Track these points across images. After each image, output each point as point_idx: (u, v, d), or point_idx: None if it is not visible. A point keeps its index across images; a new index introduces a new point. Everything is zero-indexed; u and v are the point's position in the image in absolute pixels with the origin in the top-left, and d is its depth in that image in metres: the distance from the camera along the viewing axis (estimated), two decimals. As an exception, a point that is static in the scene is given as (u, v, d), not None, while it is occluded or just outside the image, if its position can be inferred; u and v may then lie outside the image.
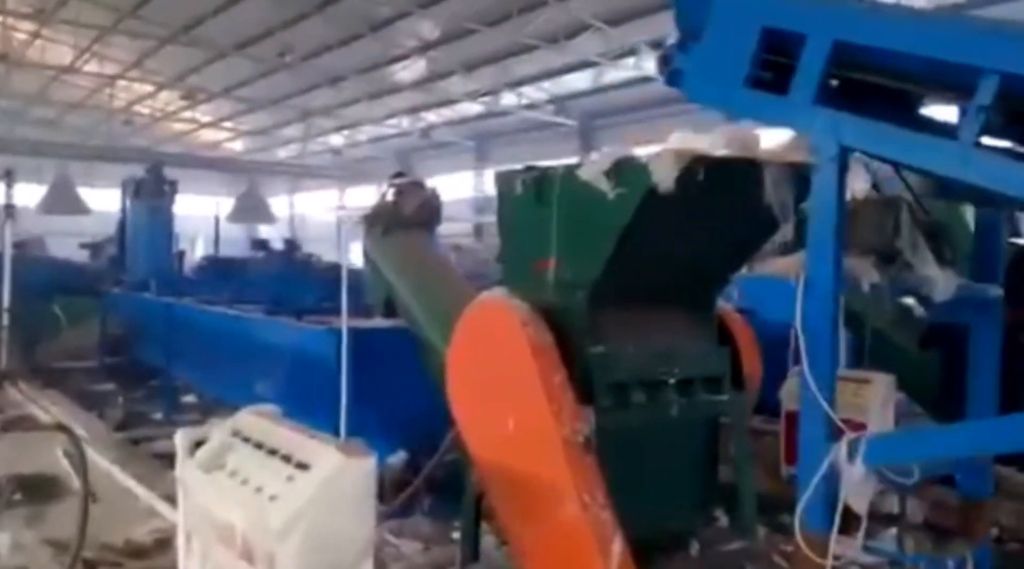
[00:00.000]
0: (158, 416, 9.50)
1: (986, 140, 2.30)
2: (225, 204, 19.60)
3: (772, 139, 3.74)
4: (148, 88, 26.74)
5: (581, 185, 3.59)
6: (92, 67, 24.08)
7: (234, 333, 7.07)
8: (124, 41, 21.83)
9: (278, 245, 14.93)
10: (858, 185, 3.81)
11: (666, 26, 17.58)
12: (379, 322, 5.82)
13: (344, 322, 5.44)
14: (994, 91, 2.28)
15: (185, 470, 3.55)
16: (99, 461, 6.52)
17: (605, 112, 24.85)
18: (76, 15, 19.78)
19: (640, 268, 3.72)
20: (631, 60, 19.95)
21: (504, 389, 3.66)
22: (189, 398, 9.97)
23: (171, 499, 5.41)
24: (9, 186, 11.02)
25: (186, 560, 3.48)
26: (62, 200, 26.20)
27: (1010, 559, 5.10)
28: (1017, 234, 7.39)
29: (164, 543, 5.07)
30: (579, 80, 22.86)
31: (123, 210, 13.75)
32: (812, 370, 2.64)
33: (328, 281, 12.51)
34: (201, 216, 20.66)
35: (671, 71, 3.28)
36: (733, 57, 2.97)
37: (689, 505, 4.25)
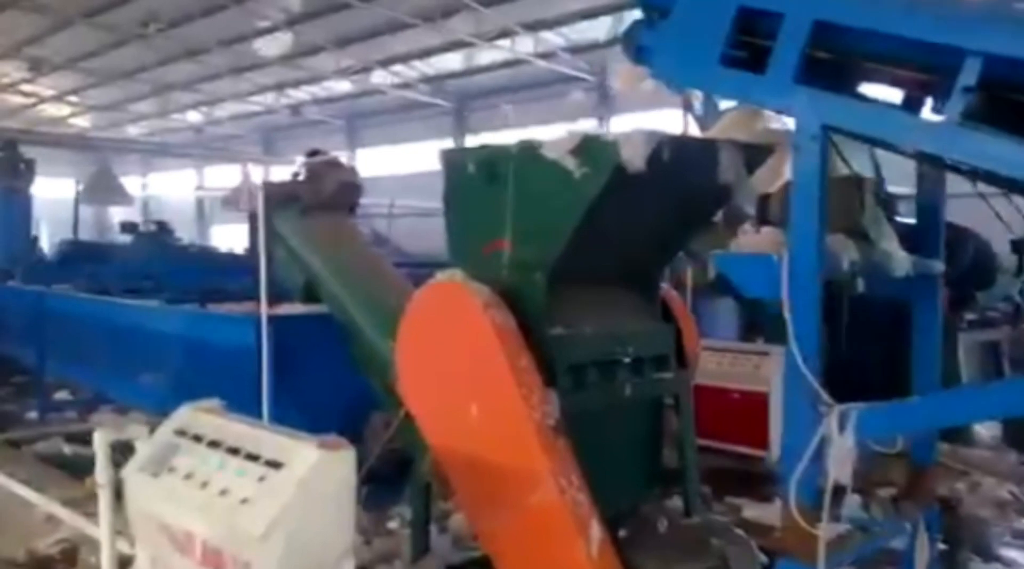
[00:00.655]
0: (32, 415, 8.71)
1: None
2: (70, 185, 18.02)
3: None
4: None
5: (540, 163, 3.52)
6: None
7: (130, 325, 6.55)
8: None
9: (149, 227, 14.01)
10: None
11: (541, 10, 17.87)
12: (298, 308, 5.56)
13: (263, 309, 5.16)
14: (978, 72, 2.39)
15: (124, 473, 3.26)
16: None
17: (479, 93, 24.78)
18: None
19: (598, 248, 3.70)
20: (507, 42, 19.92)
21: (465, 375, 3.55)
22: (61, 394, 9.21)
23: (72, 505, 5.00)
24: None
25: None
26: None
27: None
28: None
29: (71, 553, 4.66)
30: (453, 60, 22.65)
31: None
32: (798, 346, 2.70)
33: (206, 265, 11.87)
34: (43, 199, 18.94)
35: (637, 48, 3.25)
36: (706, 35, 2.98)
37: (639, 483, 4.30)
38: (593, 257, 3.74)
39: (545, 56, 20.60)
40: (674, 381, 4.25)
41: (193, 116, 31.05)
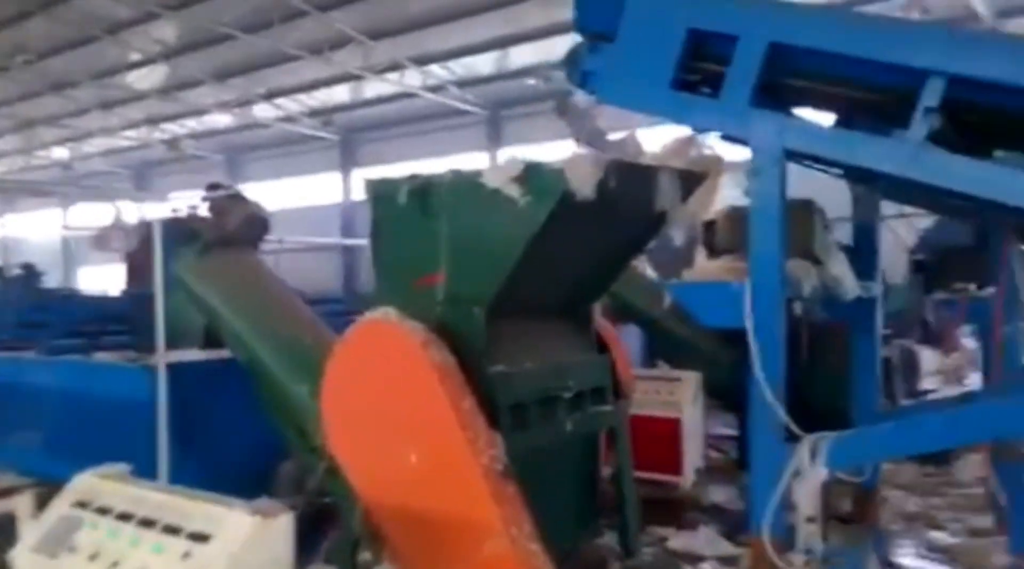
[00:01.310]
0: None
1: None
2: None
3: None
4: None
5: (479, 192, 3.32)
6: None
7: (3, 379, 5.85)
8: None
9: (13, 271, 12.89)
10: (727, 196, 3.91)
11: (429, 43, 17.67)
12: (197, 354, 5.11)
13: (161, 357, 4.70)
14: (941, 93, 2.37)
15: (12, 555, 2.81)
16: None
17: (367, 126, 24.40)
18: None
19: (538, 279, 3.54)
20: (395, 75, 19.72)
21: (402, 420, 3.29)
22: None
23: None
24: None
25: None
26: None
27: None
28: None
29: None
30: (340, 93, 22.23)
31: None
32: (765, 373, 2.59)
33: (82, 309, 10.98)
34: None
35: (581, 73, 3.12)
36: (655, 59, 2.88)
37: (578, 523, 4.12)
38: (533, 289, 3.57)
39: (434, 89, 20.49)
40: (612, 413, 4.12)
41: (59, 152, 29.25)
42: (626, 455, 4.20)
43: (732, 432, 8.42)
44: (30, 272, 12.97)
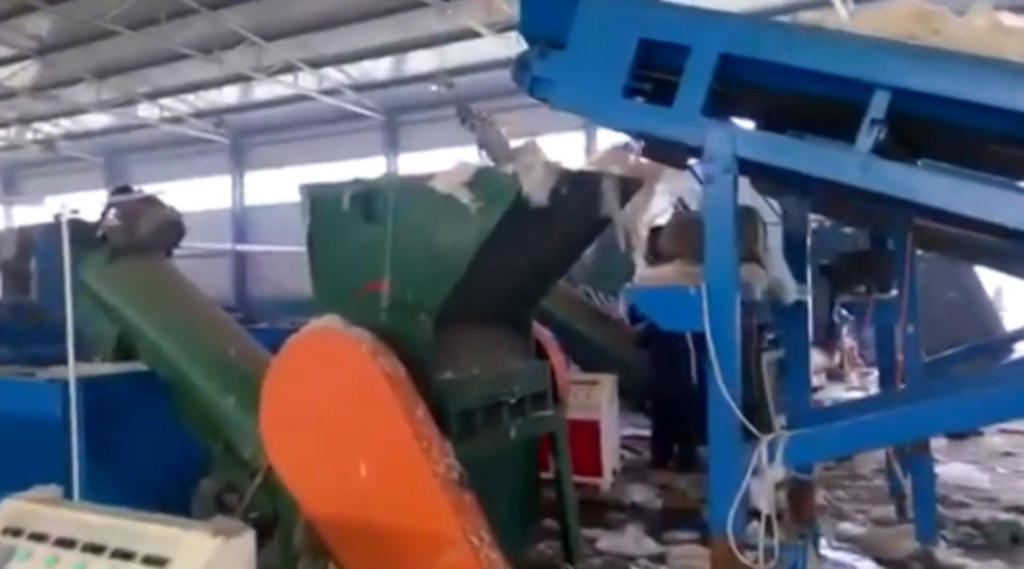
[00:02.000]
0: None
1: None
2: None
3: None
4: None
5: (427, 198, 3.29)
6: None
7: None
8: None
9: None
10: (660, 205, 4.01)
11: (323, 46, 17.25)
12: (107, 367, 4.82)
13: (71, 371, 4.41)
14: (886, 105, 2.50)
15: (-67, 593, 2.58)
16: None
17: (259, 129, 23.71)
18: None
19: (485, 285, 3.53)
20: (289, 77, 19.24)
21: (351, 430, 3.21)
22: None
23: None
24: None
25: None
26: None
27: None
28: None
29: None
30: (229, 94, 21.51)
31: None
32: (722, 375, 2.67)
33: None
34: None
35: (531, 78, 3.13)
36: (607, 67, 2.91)
37: (521, 530, 4.13)
38: (479, 295, 3.56)
39: (329, 93, 20.12)
40: (552, 418, 4.14)
41: (-86, 152, 27.11)
42: (565, 459, 4.23)
43: (641, 432, 8.62)
44: None
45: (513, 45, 3.44)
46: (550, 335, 4.36)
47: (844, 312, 7.91)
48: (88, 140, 25.01)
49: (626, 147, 3.83)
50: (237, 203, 24.99)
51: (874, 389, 9.40)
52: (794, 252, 3.63)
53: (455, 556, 2.98)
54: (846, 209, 4.96)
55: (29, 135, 24.56)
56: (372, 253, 3.45)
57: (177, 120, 22.27)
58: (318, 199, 3.61)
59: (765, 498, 2.71)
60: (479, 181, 3.16)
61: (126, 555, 2.37)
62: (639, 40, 2.88)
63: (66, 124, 23.94)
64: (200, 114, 22.40)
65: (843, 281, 5.46)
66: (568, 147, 16.53)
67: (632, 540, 5.39)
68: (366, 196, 3.45)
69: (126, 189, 5.05)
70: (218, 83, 19.87)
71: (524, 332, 4.12)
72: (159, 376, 4.66)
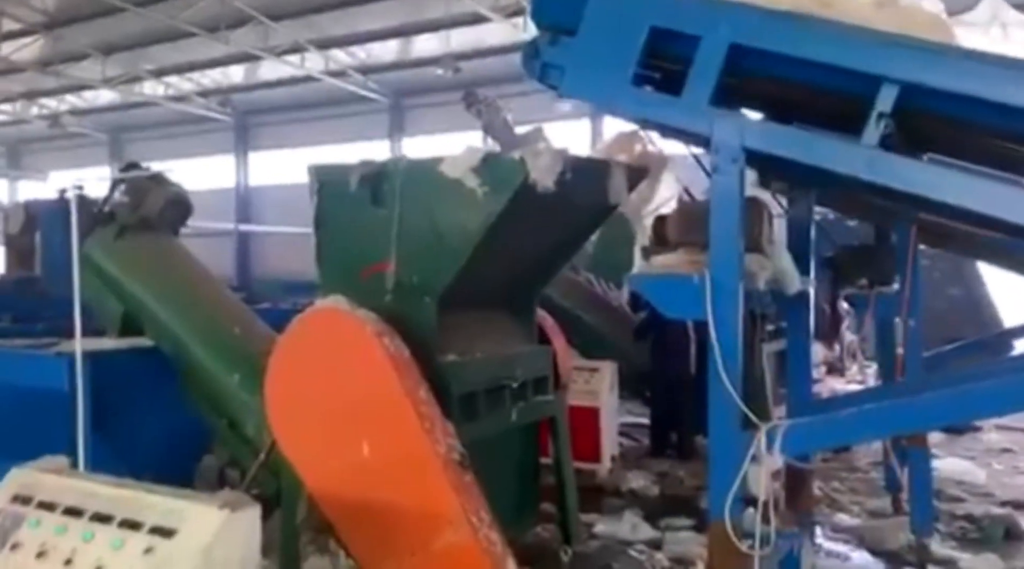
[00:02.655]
0: None
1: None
2: None
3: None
4: None
5: (435, 181, 3.31)
6: None
7: None
8: None
9: None
10: (667, 192, 4.03)
11: (331, 28, 17.13)
12: (112, 343, 4.86)
13: (78, 345, 4.45)
14: (894, 99, 2.52)
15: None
16: None
17: (264, 109, 23.67)
18: None
19: (489, 270, 3.56)
20: (295, 58, 19.19)
21: (354, 410, 3.25)
22: None
23: None
24: None
25: None
26: None
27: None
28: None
29: None
30: (235, 74, 21.47)
31: None
32: (723, 363, 2.70)
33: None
34: None
35: (541, 65, 3.14)
36: (617, 55, 2.92)
37: (520, 512, 4.17)
38: (483, 279, 3.59)
39: (335, 74, 20.07)
40: (553, 403, 4.18)
41: (-81, 125, 27.08)
42: (565, 444, 4.27)
43: (640, 420, 8.66)
44: None
45: (520, 31, 3.44)
46: (553, 321, 4.38)
47: (846, 305, 7.93)
48: (93, 116, 24.97)
49: (634, 135, 3.84)
50: (241, 183, 24.98)
51: (873, 382, 9.42)
52: (798, 244, 3.65)
53: (454, 535, 3.03)
54: (851, 202, 4.98)
55: (35, 110, 24.55)
56: (378, 235, 3.48)
57: (182, 98, 22.24)
58: (326, 180, 3.63)
59: (762, 486, 2.74)
60: (486, 166, 3.19)
61: (133, 525, 2.41)
62: (650, 28, 2.89)
63: (72, 100, 23.90)
64: (205, 93, 22.36)
65: (846, 274, 5.48)
66: (573, 134, 16.57)
67: (629, 526, 5.44)
68: (374, 178, 3.47)
69: (134, 166, 5.07)
70: (224, 62, 19.83)
71: (527, 317, 4.15)
72: (164, 352, 4.71)
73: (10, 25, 18.02)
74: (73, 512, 2.53)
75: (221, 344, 4.42)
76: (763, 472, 2.73)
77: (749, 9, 2.74)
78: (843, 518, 5.79)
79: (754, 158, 2.84)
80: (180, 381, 4.66)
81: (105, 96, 22.94)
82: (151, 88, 21.87)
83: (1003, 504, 6.11)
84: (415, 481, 3.12)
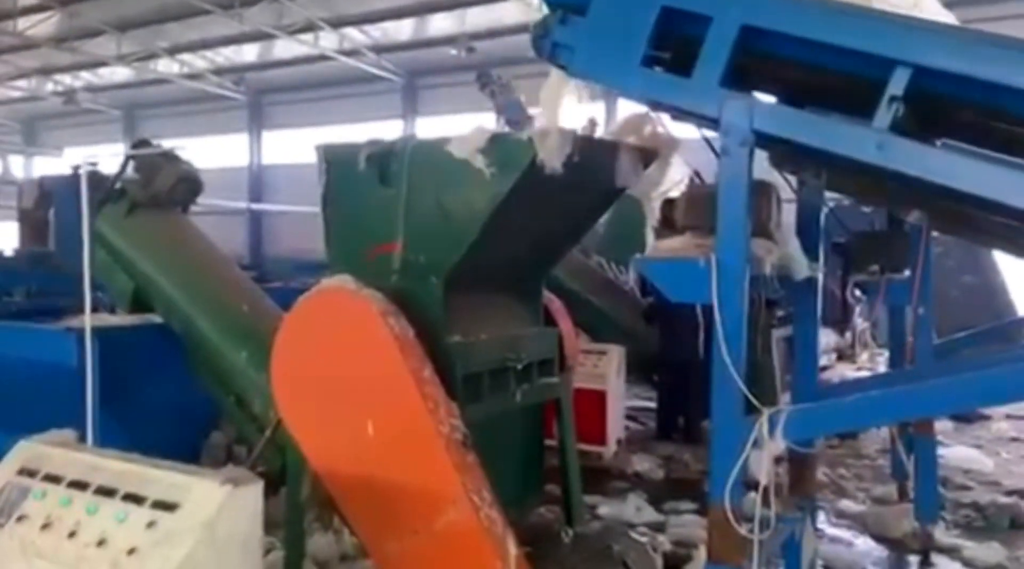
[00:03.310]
0: None
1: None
2: None
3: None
4: None
5: (443, 161, 3.29)
6: None
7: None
8: None
9: None
10: (677, 175, 3.99)
11: (345, 6, 17.17)
12: (122, 319, 4.91)
13: (87, 321, 4.49)
14: (906, 82, 2.48)
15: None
16: None
17: (278, 88, 23.66)
18: None
19: (496, 251, 3.55)
20: (309, 36, 19.14)
21: (359, 389, 3.26)
22: None
23: None
24: None
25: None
26: None
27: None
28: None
29: None
30: (249, 52, 21.45)
31: None
32: (728, 347, 2.68)
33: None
34: None
35: (551, 44, 3.12)
36: (627, 35, 2.89)
37: (524, 493, 4.19)
38: (489, 260, 3.58)
39: (350, 53, 20.03)
40: (558, 385, 4.18)
41: (-65, 101, 27.22)
42: (570, 426, 4.27)
43: (647, 404, 8.66)
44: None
45: (535, 11, 3.42)
46: (560, 304, 4.37)
47: (858, 292, 7.88)
48: (108, 93, 25.05)
49: (644, 117, 3.80)
50: (254, 162, 25.03)
51: (883, 369, 9.38)
52: (808, 229, 3.62)
53: (456, 513, 3.04)
54: (864, 188, 4.93)
55: (50, 86, 24.65)
56: (385, 215, 3.48)
57: (197, 76, 22.25)
58: (334, 159, 3.62)
59: (764, 470, 2.74)
60: (494, 146, 3.17)
61: (137, 499, 2.44)
62: (661, 8, 2.86)
63: (86, 76, 23.99)
64: (219, 71, 22.36)
65: (857, 260, 5.44)
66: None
67: (633, 508, 5.47)
68: (381, 158, 3.46)
69: (146, 143, 5.09)
70: (238, 40, 19.81)
71: (534, 299, 4.14)
72: (173, 329, 4.74)
73: (26, 0, 18.05)
74: (78, 485, 2.56)
75: (229, 321, 4.45)
76: (765, 457, 2.72)
77: (761, -11, 2.71)
78: (848, 504, 5.79)
79: (766, 141, 2.81)
80: (188, 358, 4.70)
81: (120, 73, 22.99)
82: (165, 66, 21.89)
83: (1010, 493, 6.09)
84: (418, 460, 3.13)
